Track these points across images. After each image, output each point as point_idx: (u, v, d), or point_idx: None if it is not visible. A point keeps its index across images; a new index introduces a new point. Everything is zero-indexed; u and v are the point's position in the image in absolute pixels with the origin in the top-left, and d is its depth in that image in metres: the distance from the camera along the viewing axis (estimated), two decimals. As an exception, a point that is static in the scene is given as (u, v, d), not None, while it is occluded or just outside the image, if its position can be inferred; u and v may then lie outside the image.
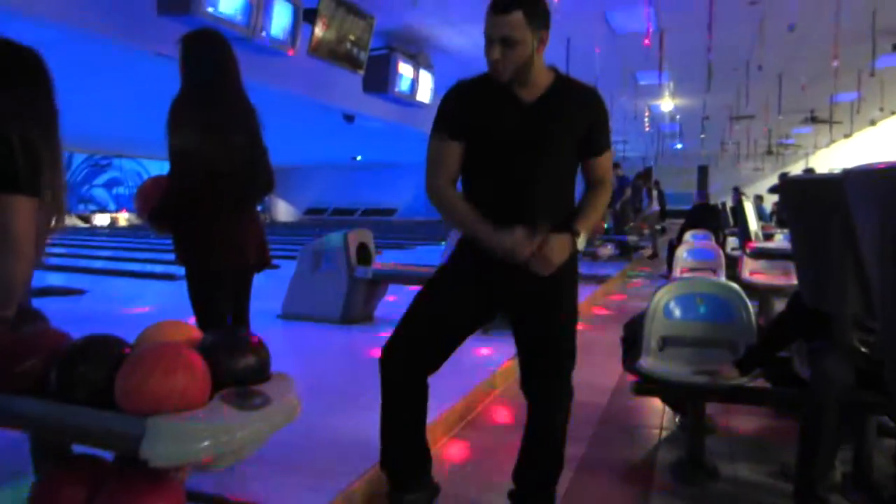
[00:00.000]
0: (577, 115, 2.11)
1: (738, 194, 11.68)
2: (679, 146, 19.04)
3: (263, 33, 5.25)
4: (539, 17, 1.98)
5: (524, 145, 2.07)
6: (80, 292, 6.98)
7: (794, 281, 4.51)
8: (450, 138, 2.11)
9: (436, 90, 8.13)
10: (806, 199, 1.62)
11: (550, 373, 2.27)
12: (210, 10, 4.72)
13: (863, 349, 1.49)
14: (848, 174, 1.26)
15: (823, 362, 2.31)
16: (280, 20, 5.40)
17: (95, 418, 1.55)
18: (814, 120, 13.67)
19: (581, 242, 2.13)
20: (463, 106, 2.11)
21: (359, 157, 22.98)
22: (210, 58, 2.76)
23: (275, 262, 9.41)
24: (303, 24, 5.68)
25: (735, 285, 3.00)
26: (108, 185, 22.76)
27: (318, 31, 5.94)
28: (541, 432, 2.28)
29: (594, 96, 2.14)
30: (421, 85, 7.88)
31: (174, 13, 4.76)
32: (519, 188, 2.09)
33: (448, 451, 2.99)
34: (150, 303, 6.54)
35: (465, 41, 7.50)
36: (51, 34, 6.07)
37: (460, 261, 2.24)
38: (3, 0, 4.55)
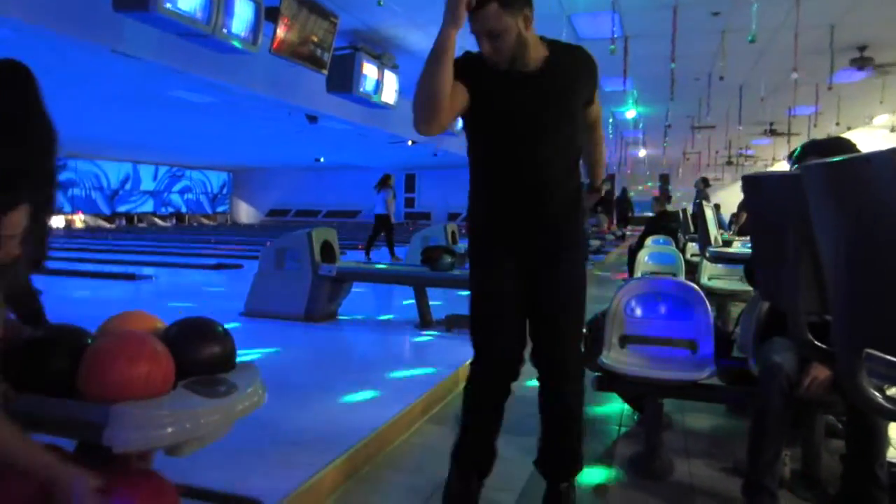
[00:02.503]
0: (580, 74, 2.24)
1: (703, 186, 11.91)
2: (642, 153, 19.36)
3: (224, 31, 5.18)
4: (514, 3, 2.00)
5: (529, 114, 2.14)
6: (36, 291, 6.79)
7: (752, 287, 4.64)
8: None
9: (401, 91, 8.14)
10: (764, 195, 1.67)
11: (567, 336, 2.24)
12: (168, 6, 4.61)
13: (817, 343, 1.54)
14: (806, 169, 1.31)
15: (770, 352, 2.40)
16: (241, 18, 5.33)
17: (58, 407, 1.53)
18: (773, 132, 14.02)
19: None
20: (470, 65, 2.12)
21: (321, 159, 22.82)
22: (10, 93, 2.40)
23: (237, 261, 9.34)
24: (265, 23, 5.63)
25: (694, 285, 3.07)
26: (63, 187, 22.14)
27: (281, 30, 5.90)
28: (559, 408, 2.28)
29: (586, 53, 2.28)
30: (386, 86, 7.87)
31: (131, 9, 4.65)
32: (528, 154, 2.15)
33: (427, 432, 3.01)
34: (109, 301, 6.41)
35: (431, 42, 7.53)
36: (2, 32, 5.93)
37: (481, 244, 2.26)
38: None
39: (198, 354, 1.70)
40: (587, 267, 2.39)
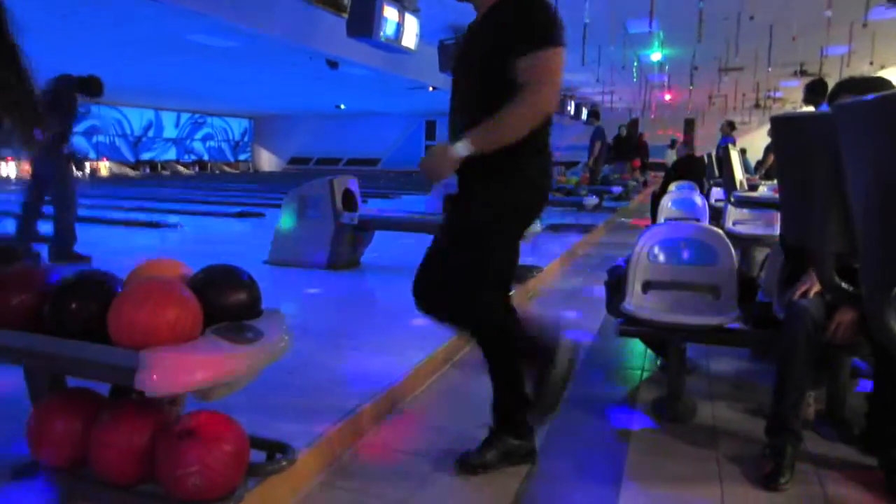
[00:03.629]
0: (499, 26, 2.04)
1: (729, 129, 11.64)
2: (668, 97, 18.92)
3: (246, -28, 5.11)
4: None
5: (456, 72, 2.20)
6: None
7: (777, 231, 4.57)
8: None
9: (421, 35, 7.99)
10: (793, 135, 1.63)
11: (434, 283, 2.19)
12: (190, -54, 4.56)
13: (844, 284, 1.52)
14: (838, 108, 1.27)
15: (798, 299, 2.38)
16: (263, -41, 5.24)
17: (89, 351, 1.57)
18: (803, 73, 13.59)
19: (461, 149, 1.99)
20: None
21: (342, 106, 22.63)
22: None
23: (259, 210, 9.41)
24: (286, -35, 5.54)
25: (718, 230, 3.04)
26: (88, 134, 22.28)
27: (302, -28, 5.79)
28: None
29: (520, 2, 2.05)
30: (406, 30, 7.72)
31: (153, -50, 4.61)
32: (452, 115, 2.19)
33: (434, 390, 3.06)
34: (135, 249, 6.51)
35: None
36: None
37: None
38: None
39: (225, 301, 1.73)
40: (488, 228, 2.13)
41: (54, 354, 1.63)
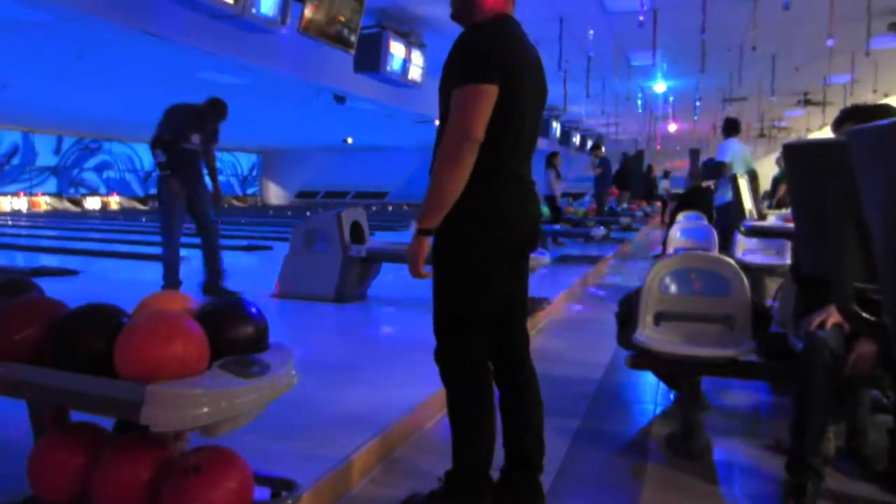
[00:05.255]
0: (447, 61, 1.97)
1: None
2: (672, 128, 19.02)
3: (253, 10, 5.18)
4: None
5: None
6: (73, 272, 6.94)
7: (788, 260, 4.54)
8: None
9: (428, 69, 8.07)
10: (807, 163, 1.61)
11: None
12: (199, -15, 4.64)
13: (864, 314, 1.48)
14: (852, 134, 1.25)
15: (815, 330, 2.33)
16: (269, -2, 5.32)
17: (95, 385, 1.55)
18: (807, 102, 13.64)
19: (413, 233, 1.92)
20: None
21: (349, 140, 22.83)
22: None
23: (267, 243, 9.46)
24: (293, 3, 5.61)
25: (730, 260, 3.01)
26: (99, 169, 22.56)
27: (308, 10, 5.87)
28: None
29: (464, 31, 1.98)
30: (413, 64, 7.81)
31: (164, -11, 4.69)
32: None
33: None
34: (144, 281, 6.51)
35: (458, 20, 7.44)
36: (41, 16, 6.01)
37: None
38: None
39: (232, 335, 1.70)
40: (453, 272, 2.01)
41: (58, 388, 1.60)
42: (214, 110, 5.57)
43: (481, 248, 1.97)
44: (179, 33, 5.88)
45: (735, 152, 7.10)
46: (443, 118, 1.97)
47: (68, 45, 8.22)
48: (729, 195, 6.64)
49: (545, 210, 10.86)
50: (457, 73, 1.90)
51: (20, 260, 8.86)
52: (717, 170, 7.03)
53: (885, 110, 2.51)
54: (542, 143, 16.82)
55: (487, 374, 2.09)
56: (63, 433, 1.77)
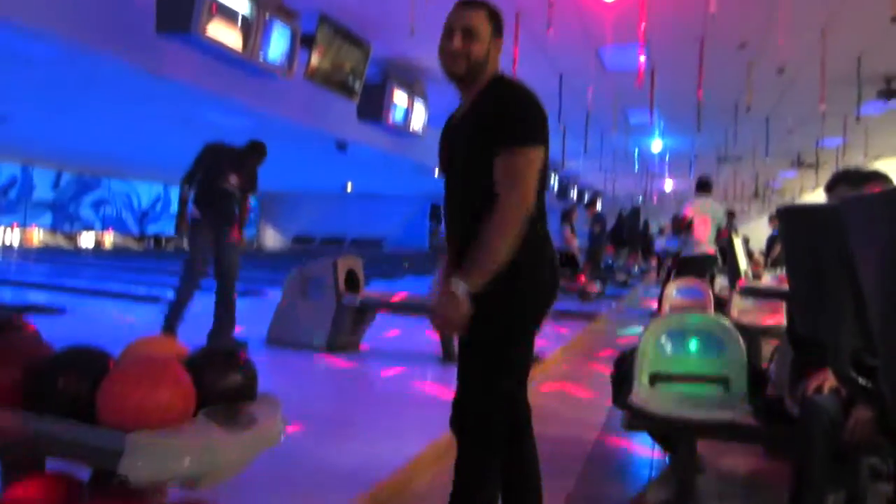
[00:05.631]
0: (481, 121, 1.92)
1: (730, 219, 11.81)
2: (668, 187, 19.25)
3: (261, 56, 5.27)
4: (497, 22, 2.02)
5: (445, 164, 2.08)
6: (60, 311, 6.86)
7: (783, 321, 4.52)
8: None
9: (429, 121, 8.18)
10: (802, 227, 1.61)
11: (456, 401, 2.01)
12: (209, 30, 4.72)
13: (861, 380, 1.46)
14: (844, 202, 1.25)
15: (812, 395, 2.30)
16: (278, 44, 5.41)
17: (73, 431, 1.50)
18: (800, 164, 13.85)
19: (461, 292, 1.80)
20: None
21: (349, 187, 23.00)
22: None
23: (261, 288, 9.38)
24: (300, 50, 5.71)
25: (726, 321, 2.99)
26: (96, 205, 22.59)
27: (315, 57, 5.97)
28: None
29: (499, 86, 1.96)
30: (415, 115, 7.91)
31: (173, 32, 4.76)
32: (447, 215, 2.07)
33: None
34: (133, 324, 6.44)
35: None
36: (47, 50, 6.08)
37: None
38: (2, 14, 4.52)
39: (220, 383, 1.66)
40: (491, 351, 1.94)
41: (35, 432, 1.55)
42: (255, 153, 5.44)
43: (527, 296, 1.94)
44: (186, 75, 5.94)
45: (706, 210, 7.28)
46: (466, 173, 1.96)
47: (73, 81, 8.31)
48: (688, 250, 7.02)
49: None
50: (504, 133, 1.86)
51: (6, 295, 8.77)
52: (682, 224, 7.20)
53: (875, 176, 2.53)
54: (538, 196, 16.94)
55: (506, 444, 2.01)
56: (36, 482, 1.70)
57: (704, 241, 7.11)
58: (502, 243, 1.82)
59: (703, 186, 7.45)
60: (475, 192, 1.91)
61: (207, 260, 5.19)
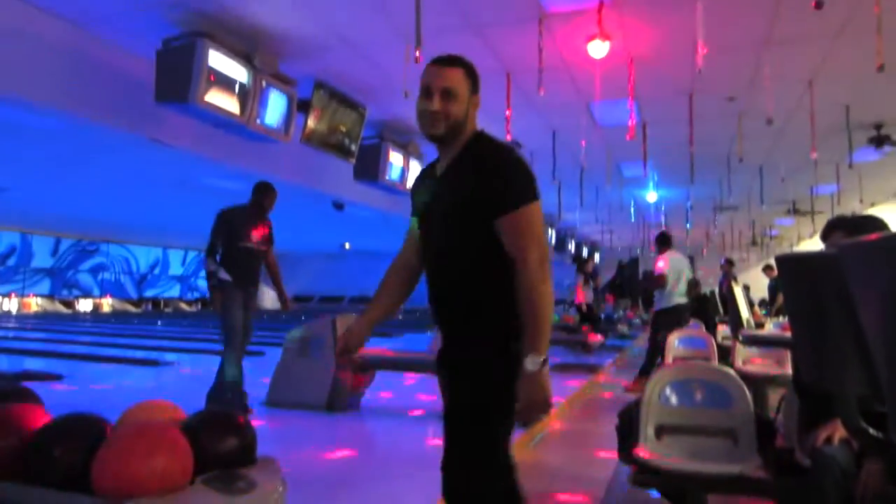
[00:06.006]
0: (474, 177, 1.91)
1: (729, 267, 11.83)
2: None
3: (258, 121, 5.37)
4: (475, 80, 1.99)
5: (426, 218, 2.04)
6: (58, 377, 6.79)
7: (789, 370, 4.47)
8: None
9: (426, 179, 8.26)
10: (801, 276, 1.61)
11: (444, 465, 1.92)
12: (207, 98, 4.83)
13: (871, 430, 1.44)
14: (842, 249, 1.25)
15: (823, 447, 2.26)
16: (275, 109, 5.53)
17: (68, 503, 1.46)
18: (796, 212, 13.96)
19: (534, 365, 1.76)
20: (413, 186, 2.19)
21: (347, 246, 23.09)
22: None
23: (260, 348, 9.29)
24: (297, 114, 5.82)
25: (731, 370, 2.96)
26: (94, 271, 22.61)
27: (311, 121, 6.09)
28: None
29: (482, 146, 1.97)
30: (411, 174, 8.02)
31: (172, 101, 4.87)
32: (430, 269, 2.04)
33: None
34: (130, 388, 6.36)
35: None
36: (48, 122, 6.20)
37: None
38: (6, 88, 4.64)
39: (218, 448, 1.64)
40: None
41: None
42: (262, 192, 5.34)
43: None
44: (185, 141, 6.04)
45: (676, 263, 7.51)
46: (451, 232, 1.94)
47: (73, 150, 8.43)
48: (662, 303, 7.32)
49: (556, 317, 10.91)
50: (510, 192, 1.87)
51: (4, 363, 8.70)
52: (659, 281, 7.40)
53: (870, 221, 2.54)
54: (536, 250, 17.00)
55: None
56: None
57: (676, 292, 7.37)
58: (546, 300, 1.83)
59: (668, 241, 7.73)
60: (463, 251, 1.91)
61: (246, 325, 5.11)
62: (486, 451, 1.88)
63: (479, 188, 1.88)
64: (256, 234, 5.21)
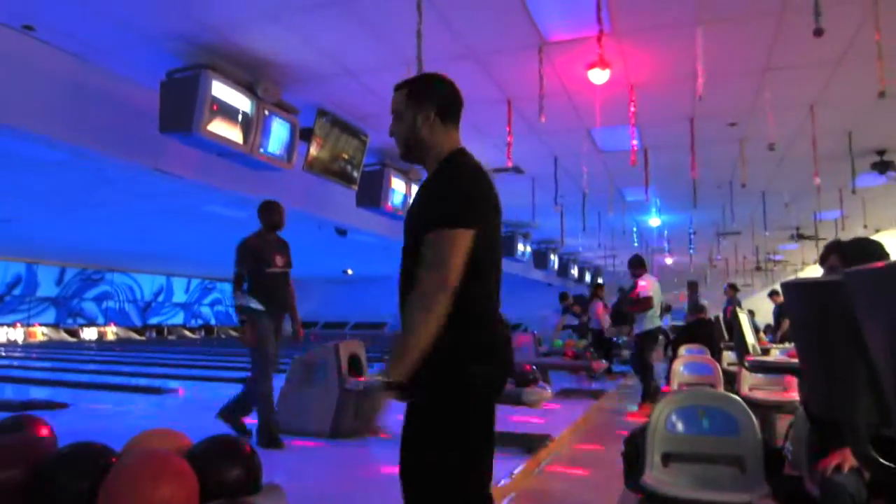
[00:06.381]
0: (422, 199, 1.90)
1: (732, 293, 11.80)
2: (669, 261, 19.33)
3: (261, 150, 5.41)
4: (418, 97, 1.99)
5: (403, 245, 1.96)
6: (63, 405, 6.78)
7: (796, 396, 4.44)
8: None
9: (428, 205, 8.29)
10: (808, 303, 1.61)
11: None
12: (210, 128, 4.88)
13: (882, 460, 1.43)
14: (849, 276, 1.26)
15: (833, 475, 2.23)
16: (277, 138, 5.58)
17: (73, 534, 1.45)
18: (800, 237, 13.94)
19: (375, 388, 1.70)
20: None
21: (350, 272, 23.11)
22: None
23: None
24: (299, 141, 5.88)
25: (737, 397, 2.94)
26: (99, 299, 22.65)
27: (314, 149, 6.14)
28: None
29: (441, 169, 1.93)
30: (412, 199, 8.05)
31: (176, 131, 4.93)
32: (400, 300, 1.90)
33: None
34: (135, 416, 6.34)
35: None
36: (53, 154, 6.27)
37: None
38: (12, 121, 4.70)
39: (222, 476, 1.64)
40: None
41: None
42: (275, 210, 5.29)
43: (460, 402, 1.78)
44: (188, 171, 6.09)
45: (655, 285, 7.80)
46: (403, 257, 1.90)
47: (78, 182, 8.51)
48: (646, 325, 7.58)
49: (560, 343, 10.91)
50: (432, 212, 1.83)
51: (9, 392, 8.68)
52: (647, 304, 7.63)
53: (865, 245, 2.54)
54: (539, 275, 17.03)
55: None
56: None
57: (657, 314, 7.74)
58: (418, 329, 1.72)
59: (643, 263, 7.96)
60: (408, 270, 1.84)
61: (276, 351, 5.07)
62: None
63: (420, 205, 1.90)
64: (280, 259, 5.18)
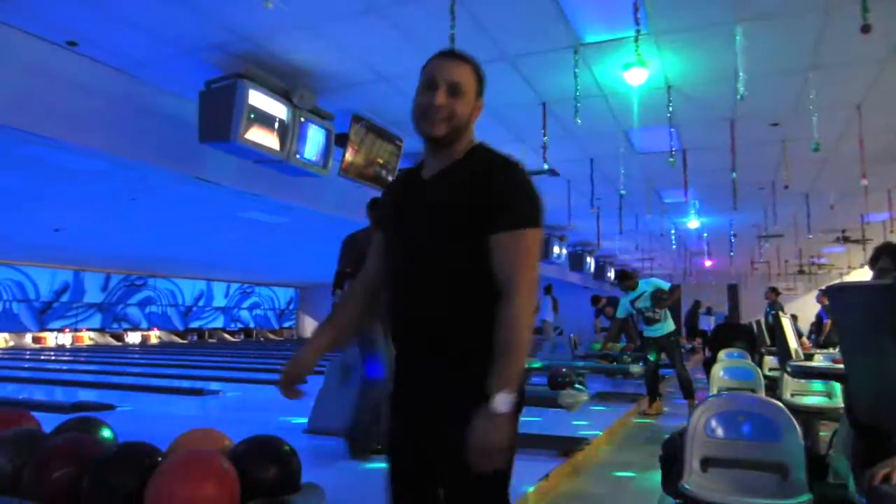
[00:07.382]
0: (474, 186, 1.66)
1: (775, 296, 11.55)
2: (708, 263, 19.02)
3: (297, 156, 5.50)
4: (482, 83, 1.79)
5: (393, 223, 1.79)
6: (110, 407, 6.96)
7: (840, 403, 4.33)
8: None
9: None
10: (856, 308, 1.57)
11: None
12: (248, 136, 4.97)
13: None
14: (896, 279, 1.23)
15: (881, 485, 2.17)
16: (313, 144, 5.66)
17: (120, 530, 1.50)
18: (846, 239, 13.58)
19: (502, 405, 1.49)
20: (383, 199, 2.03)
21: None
22: None
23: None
24: (335, 148, 5.96)
25: (779, 403, 2.88)
26: (142, 304, 23.18)
27: (349, 154, 6.21)
28: None
29: (486, 158, 1.72)
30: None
31: (215, 140, 5.04)
32: (400, 284, 1.75)
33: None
34: (178, 417, 6.47)
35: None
36: (96, 165, 6.46)
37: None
38: (58, 134, 4.86)
39: (263, 475, 1.67)
40: None
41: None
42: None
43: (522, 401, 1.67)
44: (227, 178, 6.22)
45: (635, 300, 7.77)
46: (440, 244, 1.68)
47: (121, 191, 8.73)
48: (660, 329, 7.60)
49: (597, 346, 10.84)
50: (514, 210, 1.66)
51: (59, 395, 8.94)
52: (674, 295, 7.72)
53: None
54: (575, 278, 16.90)
55: None
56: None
57: None
58: (526, 334, 1.60)
59: (631, 277, 7.92)
60: (453, 266, 1.66)
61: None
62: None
63: (481, 198, 1.64)
64: None
